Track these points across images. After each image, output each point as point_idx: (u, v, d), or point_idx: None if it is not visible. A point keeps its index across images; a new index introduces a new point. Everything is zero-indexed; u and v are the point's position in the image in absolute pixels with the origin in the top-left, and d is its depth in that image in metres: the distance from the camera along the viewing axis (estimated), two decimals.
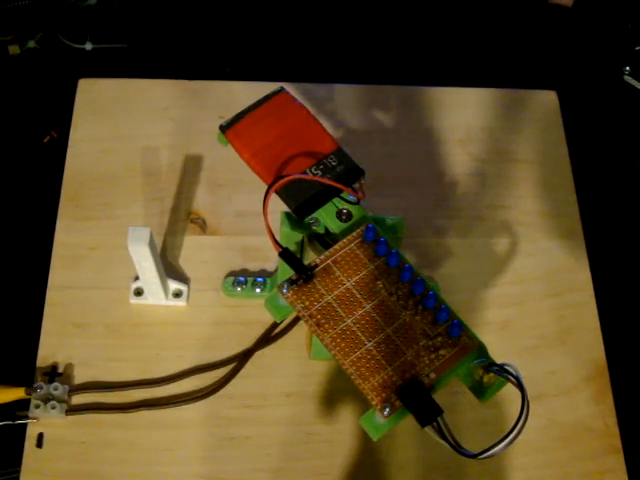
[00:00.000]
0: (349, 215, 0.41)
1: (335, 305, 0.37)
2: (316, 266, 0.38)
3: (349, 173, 0.41)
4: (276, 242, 0.39)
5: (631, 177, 0.63)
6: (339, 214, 0.41)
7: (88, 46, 0.66)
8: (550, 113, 0.61)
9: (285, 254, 0.38)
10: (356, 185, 0.41)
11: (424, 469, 0.47)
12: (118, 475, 0.46)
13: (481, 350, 0.37)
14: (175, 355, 0.49)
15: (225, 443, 0.47)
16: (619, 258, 0.58)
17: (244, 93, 0.59)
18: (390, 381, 0.35)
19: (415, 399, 0.35)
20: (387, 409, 0.35)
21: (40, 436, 0.46)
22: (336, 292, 0.38)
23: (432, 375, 0.36)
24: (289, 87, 0.44)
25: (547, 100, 0.61)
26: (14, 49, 0.65)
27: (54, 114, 0.61)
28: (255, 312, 0.50)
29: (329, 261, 0.38)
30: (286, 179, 0.39)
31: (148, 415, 0.47)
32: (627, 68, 0.67)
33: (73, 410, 0.47)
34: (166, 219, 0.54)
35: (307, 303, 0.37)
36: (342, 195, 0.41)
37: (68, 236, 0.53)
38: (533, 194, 0.57)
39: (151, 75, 0.61)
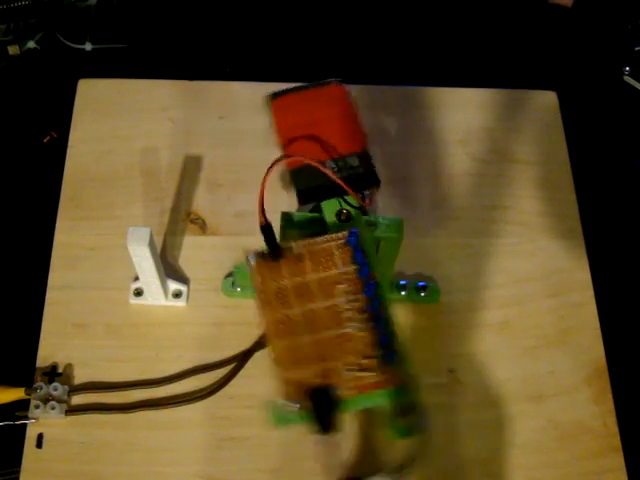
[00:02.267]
0: (348, 217, 0.40)
1: (291, 291, 0.37)
2: (290, 249, 0.38)
3: (363, 178, 0.40)
4: (263, 215, 0.38)
5: (631, 177, 0.62)
6: (339, 213, 0.40)
7: (88, 46, 0.66)
8: (550, 113, 0.61)
9: (266, 229, 0.38)
10: (367, 192, 0.40)
11: (423, 469, 0.47)
12: (118, 475, 0.46)
13: (404, 389, 0.36)
14: (175, 355, 0.49)
15: (225, 443, 0.47)
16: (619, 258, 0.58)
17: (244, 93, 0.59)
18: (309, 380, 0.36)
19: (323, 406, 0.35)
20: (296, 405, 0.35)
21: (40, 436, 0.46)
22: (297, 279, 0.38)
23: (350, 391, 0.36)
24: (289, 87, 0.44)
25: (547, 100, 0.61)
26: (14, 49, 0.65)
27: (54, 114, 0.61)
28: (255, 312, 0.50)
29: (305, 250, 0.38)
30: (292, 159, 0.39)
31: (148, 415, 0.47)
32: (627, 68, 0.67)
33: (73, 410, 0.47)
34: (166, 219, 0.54)
35: (266, 278, 0.37)
36: (349, 197, 0.40)
37: (68, 236, 0.53)
38: (533, 194, 0.57)
39: (151, 75, 0.61)
